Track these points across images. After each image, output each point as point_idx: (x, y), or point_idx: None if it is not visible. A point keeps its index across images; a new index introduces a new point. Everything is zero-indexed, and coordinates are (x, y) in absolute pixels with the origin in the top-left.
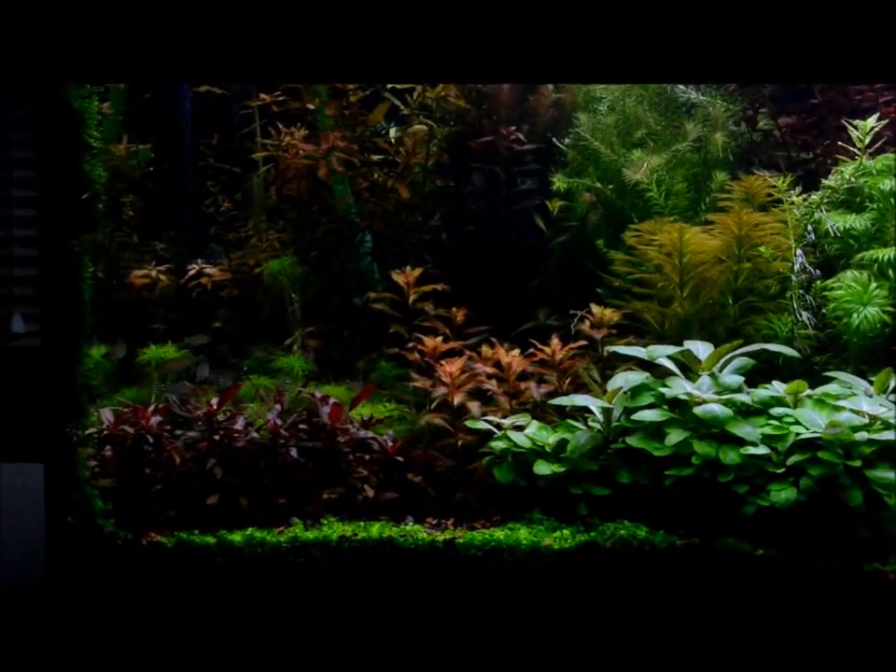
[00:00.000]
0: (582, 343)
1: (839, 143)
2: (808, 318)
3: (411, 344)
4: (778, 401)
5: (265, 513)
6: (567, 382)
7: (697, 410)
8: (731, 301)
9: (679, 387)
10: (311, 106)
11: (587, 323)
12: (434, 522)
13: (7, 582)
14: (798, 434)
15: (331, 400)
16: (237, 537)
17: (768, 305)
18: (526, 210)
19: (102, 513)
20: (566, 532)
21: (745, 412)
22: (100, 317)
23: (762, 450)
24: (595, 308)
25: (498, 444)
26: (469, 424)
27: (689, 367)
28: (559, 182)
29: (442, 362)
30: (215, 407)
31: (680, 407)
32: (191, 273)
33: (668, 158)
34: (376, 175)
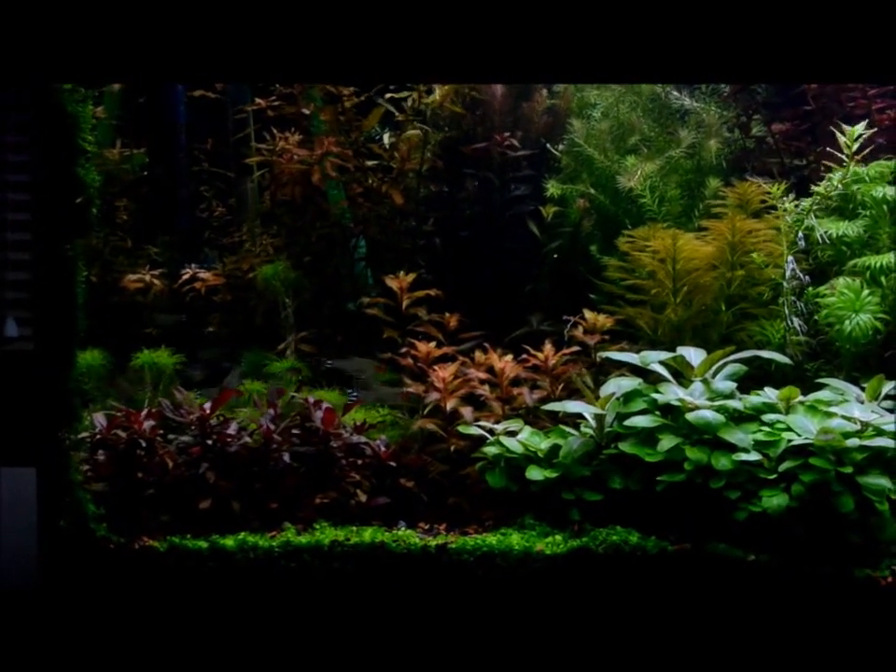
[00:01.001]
0: (575, 348)
1: (830, 150)
2: (800, 325)
3: (404, 350)
4: (770, 408)
5: (258, 518)
6: (560, 387)
7: (689, 416)
8: (724, 308)
9: (671, 393)
10: (306, 111)
11: (580, 329)
12: (426, 527)
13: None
14: (790, 440)
15: (324, 405)
16: (229, 541)
17: (761, 312)
18: (520, 216)
19: (94, 517)
20: (558, 537)
21: (737, 418)
22: (93, 321)
23: (753, 456)
24: (588, 314)
25: (491, 450)
26: (461, 429)
27: (681, 373)
28: (553, 188)
29: (435, 367)
30: (208, 412)
31: (673, 413)
32: (185, 277)
33: (662, 164)
34: (370, 181)
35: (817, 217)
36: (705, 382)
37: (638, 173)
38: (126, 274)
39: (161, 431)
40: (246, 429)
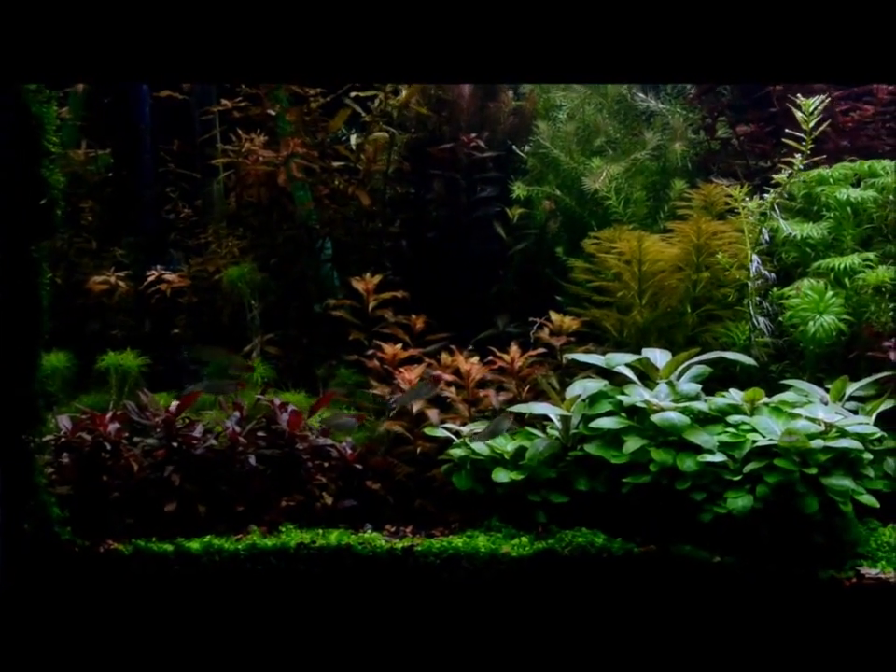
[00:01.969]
0: (541, 350)
1: (792, 142)
2: (766, 325)
3: (370, 352)
4: (735, 409)
5: (223, 521)
6: (527, 389)
7: (655, 417)
8: (689, 309)
9: (636, 395)
10: (272, 112)
11: (546, 330)
12: (393, 529)
13: None
14: (755, 442)
15: (290, 408)
16: (195, 544)
17: (726, 313)
18: (486, 217)
19: (59, 521)
20: (524, 539)
21: (702, 419)
22: (58, 323)
23: (718, 457)
24: (554, 316)
25: (457, 452)
26: (427, 431)
27: (647, 374)
28: (519, 190)
29: (402, 369)
30: (173, 414)
31: (638, 415)
32: (150, 279)
33: (628, 166)
34: (337, 182)
35: (783, 218)
36: (670, 384)
37: (604, 174)
38: (91, 276)
39: (127, 434)
40: (212, 432)
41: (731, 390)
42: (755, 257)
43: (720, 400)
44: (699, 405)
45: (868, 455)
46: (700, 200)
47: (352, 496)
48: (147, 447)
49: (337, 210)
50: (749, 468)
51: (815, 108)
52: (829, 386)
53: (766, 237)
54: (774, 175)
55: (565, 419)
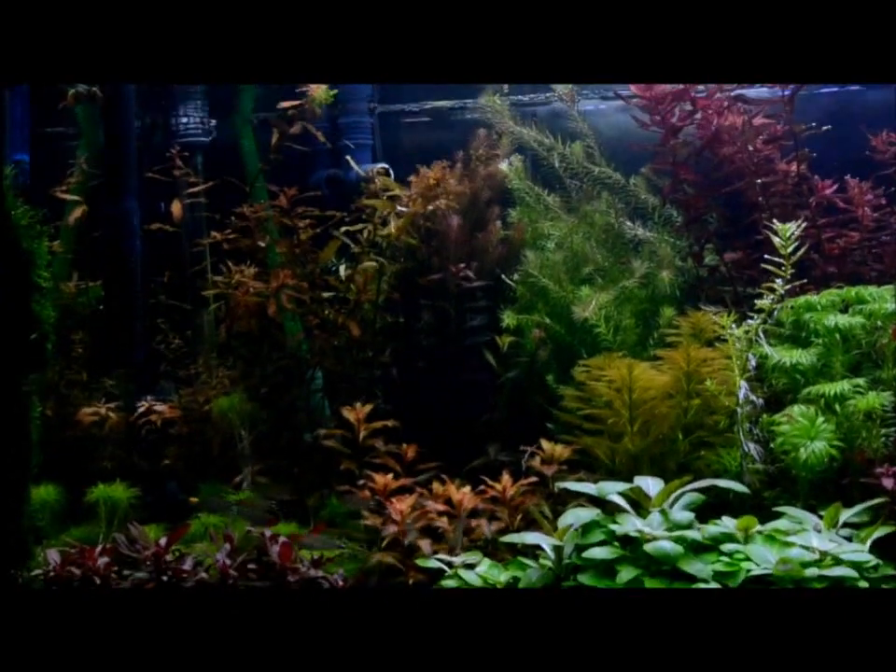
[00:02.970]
0: (533, 478)
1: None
2: (757, 451)
3: (361, 482)
4: (729, 538)
5: None
6: (519, 518)
7: (648, 547)
8: (681, 436)
9: (629, 524)
10: (261, 244)
11: (538, 459)
12: None
13: None
14: (749, 570)
15: (281, 539)
16: None
17: (718, 440)
18: (476, 346)
19: None
20: None
21: (696, 548)
22: (48, 456)
23: (713, 587)
24: (545, 444)
25: (449, 583)
26: (419, 562)
27: (639, 503)
28: (508, 318)
29: (393, 500)
30: (163, 547)
31: (631, 544)
32: (141, 410)
33: (616, 294)
34: (327, 312)
35: (772, 345)
36: (663, 512)
37: (593, 303)
38: (81, 407)
39: (116, 568)
40: (202, 564)
41: (724, 518)
42: (743, 383)
43: (713, 529)
44: (692, 534)
45: (864, 584)
46: (689, 327)
47: None
48: (137, 581)
49: (327, 340)
50: None
51: (792, 233)
52: (822, 513)
53: (753, 363)
54: (757, 301)
55: (557, 549)
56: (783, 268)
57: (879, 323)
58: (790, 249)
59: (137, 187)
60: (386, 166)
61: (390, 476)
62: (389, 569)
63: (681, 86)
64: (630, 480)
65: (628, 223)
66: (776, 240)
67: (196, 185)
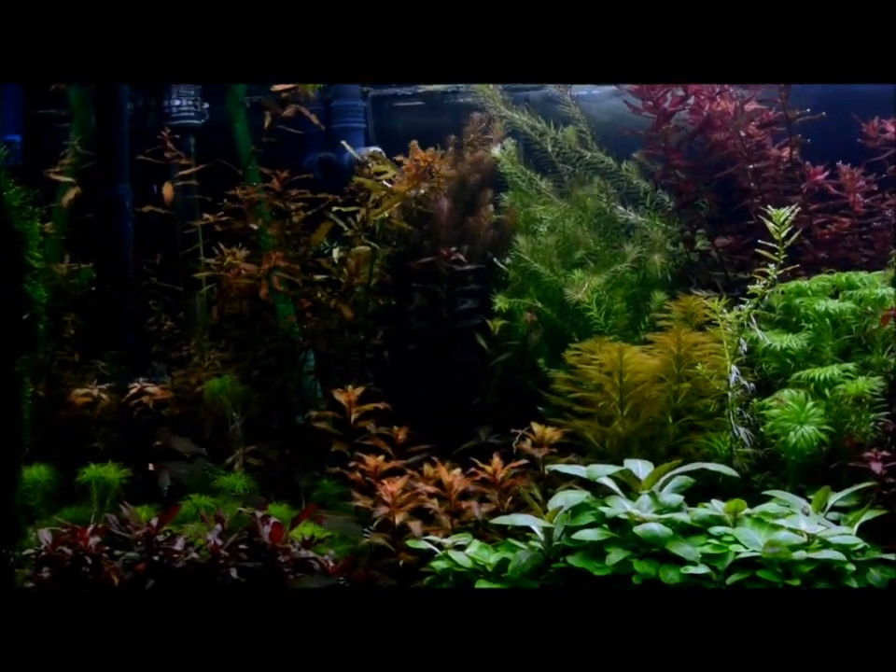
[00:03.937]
0: (524, 461)
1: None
2: (747, 435)
3: (353, 463)
4: (718, 520)
5: None
6: (509, 500)
7: (637, 529)
8: (671, 420)
9: (619, 507)
10: (254, 226)
11: (528, 442)
12: None
13: None
14: (737, 553)
15: (272, 520)
16: None
17: (707, 424)
18: (468, 329)
19: None
20: None
21: (685, 531)
22: (40, 436)
23: (701, 569)
24: (536, 427)
25: (439, 564)
26: (410, 543)
27: (629, 486)
28: (500, 302)
29: (384, 481)
30: (154, 527)
31: (621, 526)
32: (133, 391)
33: (608, 278)
34: (319, 295)
35: (763, 329)
36: (652, 495)
37: (585, 286)
38: (73, 389)
39: (108, 547)
40: (194, 545)
41: (713, 501)
42: (734, 367)
43: (702, 512)
44: (681, 516)
45: (851, 567)
46: (680, 311)
47: None
48: (129, 560)
49: (319, 323)
50: (731, 579)
51: (786, 218)
52: (811, 497)
53: (744, 348)
54: (749, 287)
55: (547, 531)
56: (776, 253)
57: (869, 308)
58: (783, 234)
59: (129, 169)
60: (379, 149)
61: (381, 458)
62: (380, 550)
63: None
64: (620, 463)
65: (620, 208)
66: (770, 225)
67: (188, 167)
